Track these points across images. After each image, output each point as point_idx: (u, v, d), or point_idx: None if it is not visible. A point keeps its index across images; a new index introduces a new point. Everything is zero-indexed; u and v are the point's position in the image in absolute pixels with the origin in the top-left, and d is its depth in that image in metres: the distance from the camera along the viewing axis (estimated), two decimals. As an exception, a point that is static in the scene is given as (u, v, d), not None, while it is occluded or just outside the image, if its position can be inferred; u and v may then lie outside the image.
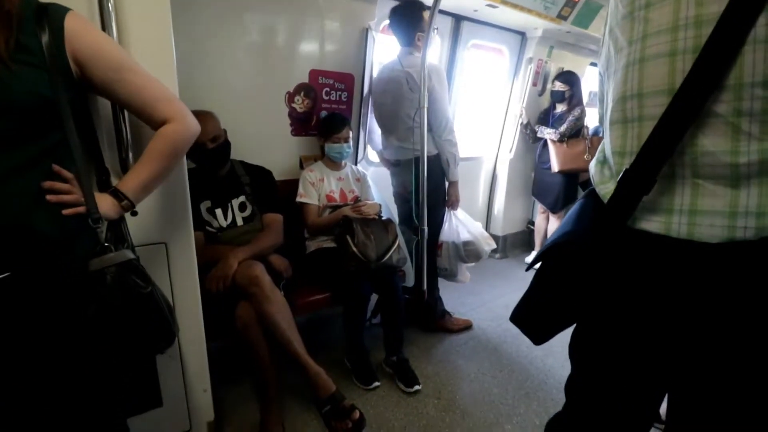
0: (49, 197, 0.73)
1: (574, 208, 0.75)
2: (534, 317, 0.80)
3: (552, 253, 0.72)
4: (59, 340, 0.75)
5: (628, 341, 0.67)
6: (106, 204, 0.82)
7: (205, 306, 1.26)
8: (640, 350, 0.66)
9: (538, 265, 0.78)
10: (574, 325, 0.79)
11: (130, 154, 1.00)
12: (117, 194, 0.83)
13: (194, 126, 0.91)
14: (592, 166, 0.73)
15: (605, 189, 0.66)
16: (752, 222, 0.52)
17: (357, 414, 1.48)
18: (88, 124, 0.90)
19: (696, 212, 0.55)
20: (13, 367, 0.73)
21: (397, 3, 2.05)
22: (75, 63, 0.76)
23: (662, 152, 0.55)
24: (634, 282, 0.64)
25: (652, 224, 0.59)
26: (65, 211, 0.75)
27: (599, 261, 0.66)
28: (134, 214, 0.89)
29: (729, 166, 0.52)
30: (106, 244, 0.79)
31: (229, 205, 1.68)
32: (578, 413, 0.80)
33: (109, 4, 0.91)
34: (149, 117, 0.86)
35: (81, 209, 0.77)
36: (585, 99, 3.39)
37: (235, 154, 1.71)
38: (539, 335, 0.79)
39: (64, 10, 0.75)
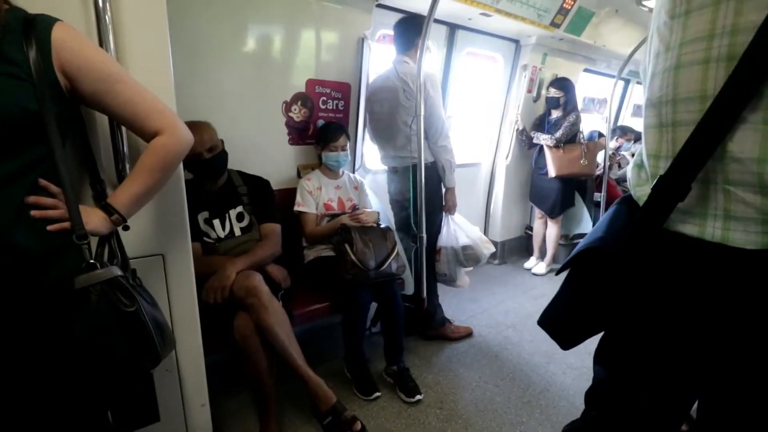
0: (33, 213, 0.71)
1: (607, 213, 0.75)
2: (563, 322, 0.79)
3: (584, 257, 0.72)
4: (43, 358, 0.74)
5: (662, 345, 0.67)
6: (96, 219, 0.80)
7: (202, 318, 1.24)
8: (674, 355, 0.66)
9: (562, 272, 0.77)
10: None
11: (127, 165, 0.99)
12: (107, 209, 0.82)
13: (186, 138, 0.89)
14: (629, 169, 0.74)
15: (642, 191, 0.67)
16: None
17: (359, 425, 1.46)
18: (82, 136, 0.89)
19: (730, 218, 0.56)
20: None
21: (400, 14, 2.07)
22: (63, 75, 0.74)
23: (697, 159, 0.56)
24: (669, 285, 0.64)
25: (687, 227, 0.60)
26: (50, 227, 0.73)
27: (635, 264, 0.66)
28: (126, 228, 0.87)
29: (756, 174, 0.52)
30: (91, 261, 0.76)
31: (227, 215, 1.66)
32: (606, 421, 0.79)
33: (107, 17, 0.91)
34: (140, 129, 0.85)
35: (66, 225, 0.75)
36: (579, 105, 3.43)
37: (233, 164, 1.71)
38: (568, 341, 0.78)
39: (51, 21, 0.73)
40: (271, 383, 1.48)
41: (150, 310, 0.84)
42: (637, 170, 0.71)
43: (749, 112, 0.51)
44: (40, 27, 0.71)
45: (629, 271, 0.66)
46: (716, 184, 0.56)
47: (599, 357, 0.79)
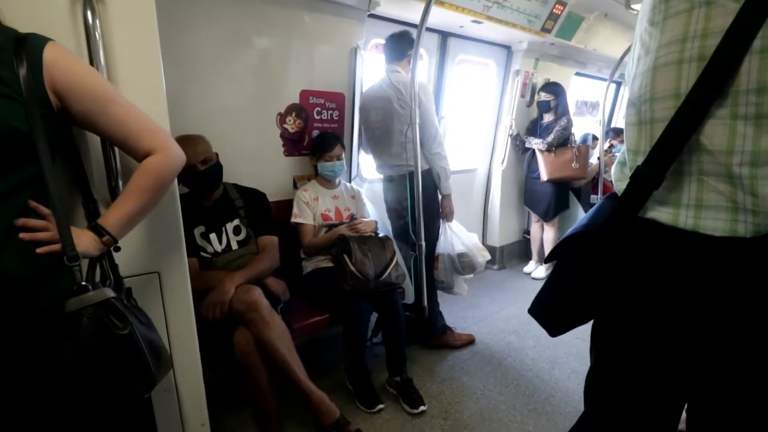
0: (22, 235, 0.69)
1: (593, 207, 0.79)
2: (551, 309, 0.82)
3: (568, 244, 0.76)
4: (36, 382, 0.72)
5: (642, 332, 0.69)
6: (86, 240, 0.78)
7: (201, 334, 1.22)
8: (654, 341, 0.68)
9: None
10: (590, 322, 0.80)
11: (120, 183, 0.98)
12: (98, 230, 0.80)
13: (179, 157, 0.88)
14: (614, 166, 0.78)
15: (622, 185, 0.71)
16: (750, 218, 0.56)
17: (362, 440, 1.43)
18: (74, 155, 0.88)
19: (701, 206, 0.60)
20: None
21: (391, 24, 2.08)
22: (54, 94, 0.74)
23: (671, 151, 0.60)
24: (647, 271, 0.67)
25: (662, 215, 0.63)
26: (39, 250, 0.71)
27: (612, 249, 0.69)
28: (117, 249, 0.86)
29: (724, 165, 0.56)
30: (83, 284, 0.75)
31: (224, 229, 1.65)
32: (599, 413, 0.80)
33: (96, 33, 0.90)
34: (132, 149, 0.84)
35: (56, 247, 0.73)
36: (572, 108, 3.45)
37: (228, 177, 1.69)
38: (555, 327, 0.81)
39: (43, 41, 0.73)
40: (272, 399, 1.46)
41: (145, 331, 0.82)
42: (620, 167, 0.75)
43: (717, 108, 0.56)
44: (31, 46, 0.71)
45: (608, 255, 0.70)
46: (691, 175, 0.60)
47: (591, 345, 0.81)
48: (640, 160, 0.65)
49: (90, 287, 0.75)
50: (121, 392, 0.79)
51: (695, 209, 0.60)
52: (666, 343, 0.67)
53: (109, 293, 0.77)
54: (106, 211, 0.84)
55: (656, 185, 0.62)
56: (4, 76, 0.67)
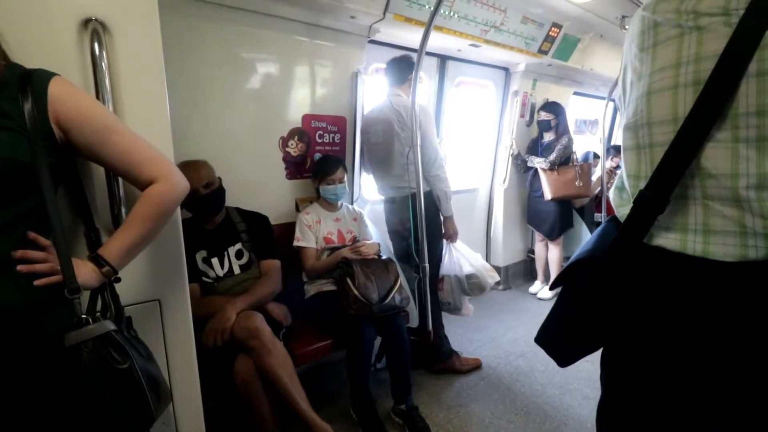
0: (20, 267, 0.68)
1: (597, 230, 0.78)
2: (558, 338, 0.80)
3: (572, 271, 0.74)
4: (32, 418, 0.69)
5: (652, 361, 0.67)
6: (85, 271, 0.77)
7: (201, 362, 1.19)
8: (665, 370, 0.66)
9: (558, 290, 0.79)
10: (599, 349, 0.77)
11: (123, 210, 0.97)
12: (98, 261, 0.79)
13: (181, 185, 0.88)
14: (611, 192, 0.77)
15: (623, 210, 0.70)
16: (762, 242, 0.55)
17: (368, 473, 1.37)
18: (76, 185, 0.88)
19: (709, 231, 0.58)
20: None
21: (392, 48, 2.13)
22: (58, 127, 0.74)
23: (673, 175, 0.59)
24: (654, 298, 0.65)
25: (669, 241, 0.62)
26: (37, 282, 0.70)
27: (618, 277, 0.68)
28: (117, 280, 0.84)
29: (731, 189, 0.55)
30: (83, 316, 0.73)
31: (226, 253, 1.63)
32: None
33: (103, 63, 0.91)
34: (135, 179, 0.84)
35: (54, 279, 0.72)
36: (572, 127, 3.48)
37: (231, 200, 1.69)
38: (564, 357, 0.79)
39: (48, 76, 0.74)
40: (274, 429, 1.41)
41: (144, 365, 0.79)
42: (618, 192, 0.75)
43: (717, 131, 0.56)
44: (37, 81, 0.72)
45: (615, 283, 0.68)
46: (696, 199, 0.60)
47: (601, 374, 0.79)
48: (641, 184, 0.65)
49: (90, 320, 0.74)
50: (122, 429, 0.76)
51: (703, 234, 0.59)
52: (679, 372, 0.64)
53: (110, 326, 0.75)
54: (106, 241, 0.84)
55: (660, 210, 0.61)
56: (8, 110, 0.68)
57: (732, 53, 0.53)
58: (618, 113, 4.80)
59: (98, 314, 0.79)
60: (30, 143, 0.69)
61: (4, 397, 0.69)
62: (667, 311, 0.63)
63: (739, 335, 0.58)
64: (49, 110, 0.72)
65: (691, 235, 0.60)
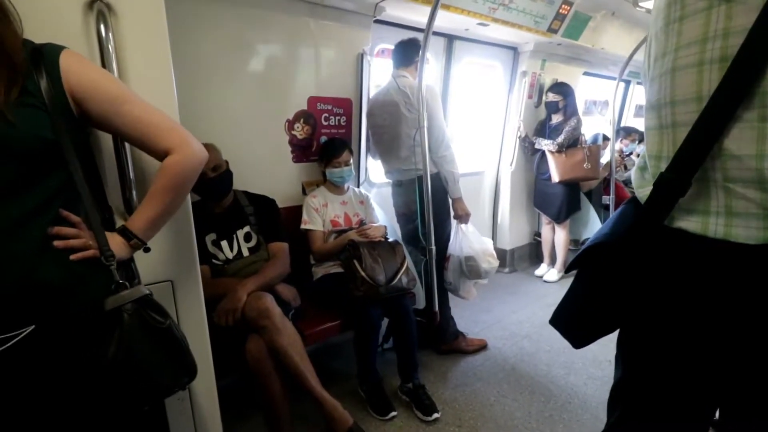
0: (56, 243, 0.71)
1: (614, 213, 0.77)
2: (574, 320, 0.80)
3: (591, 254, 0.73)
4: (80, 385, 0.73)
5: (672, 342, 0.67)
6: (115, 243, 0.80)
7: (213, 342, 1.22)
8: (684, 351, 0.66)
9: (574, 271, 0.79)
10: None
11: (134, 194, 0.98)
12: (125, 233, 0.81)
13: (199, 153, 0.87)
14: (633, 172, 0.76)
15: (644, 192, 0.69)
16: None
17: (376, 448, 1.41)
18: (91, 163, 0.89)
19: (732, 214, 0.57)
20: (36, 420, 0.71)
21: (398, 29, 2.08)
22: (73, 100, 0.75)
23: (696, 156, 0.58)
24: (675, 281, 0.65)
25: (690, 224, 0.61)
26: (73, 256, 0.73)
27: (637, 259, 0.67)
28: (147, 250, 0.86)
29: (755, 170, 0.53)
30: (120, 281, 0.76)
31: (234, 236, 1.65)
32: (629, 420, 0.78)
33: (110, 46, 0.91)
34: (152, 148, 0.84)
35: (89, 253, 0.75)
36: (581, 108, 3.42)
37: (238, 184, 1.70)
38: (580, 339, 0.79)
39: (58, 49, 0.74)
40: (285, 406, 1.45)
41: (177, 325, 0.84)
42: (640, 172, 0.73)
43: (744, 111, 0.53)
44: (48, 55, 0.72)
45: (634, 266, 0.67)
46: (716, 181, 0.58)
47: (617, 356, 0.79)
48: (663, 165, 0.63)
49: (127, 284, 0.77)
50: (167, 386, 0.81)
51: (725, 217, 0.57)
52: (702, 353, 0.65)
53: (145, 290, 0.79)
54: (132, 215, 0.86)
55: (682, 192, 0.60)
56: (28, 87, 0.68)
57: (763, 27, 0.50)
58: (629, 92, 4.70)
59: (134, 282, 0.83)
60: (51, 119, 0.69)
61: (50, 366, 0.71)
62: (689, 293, 0.63)
63: (762, 317, 0.57)
64: (63, 83, 0.72)
65: (713, 217, 0.59)
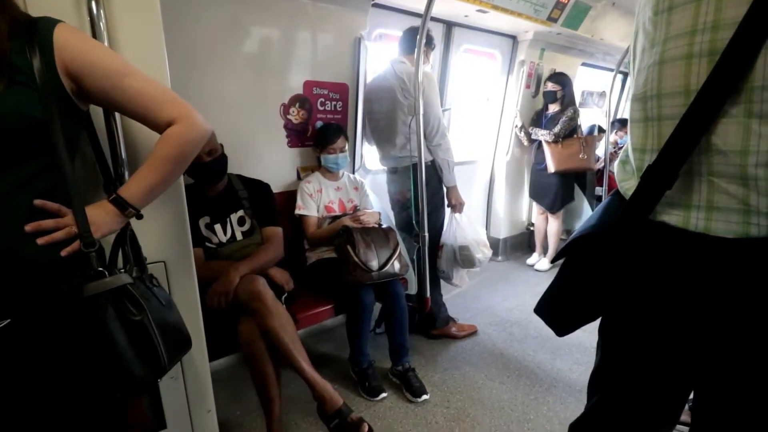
0: (39, 241, 0.69)
1: (601, 204, 0.78)
2: (558, 309, 0.82)
3: (576, 245, 0.74)
4: (52, 369, 0.73)
5: (651, 332, 0.69)
6: (103, 217, 0.77)
7: (206, 323, 1.24)
8: (663, 341, 0.68)
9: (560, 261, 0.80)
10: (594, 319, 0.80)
11: (126, 173, 0.98)
12: (119, 202, 0.79)
13: (202, 126, 0.85)
14: (615, 165, 0.76)
15: (627, 185, 0.69)
16: (765, 221, 0.54)
17: (365, 427, 1.45)
18: (92, 140, 0.87)
19: (713, 208, 0.58)
20: (13, 406, 0.71)
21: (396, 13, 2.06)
22: (67, 76, 0.73)
23: (684, 149, 0.58)
24: (656, 272, 0.66)
25: (672, 217, 0.62)
26: (63, 252, 0.72)
27: (622, 252, 0.68)
28: (140, 217, 0.84)
29: (739, 166, 0.54)
30: (99, 269, 0.75)
31: (228, 219, 1.66)
32: (607, 405, 0.80)
33: (101, 24, 0.90)
34: (153, 121, 0.81)
35: (77, 246, 0.73)
36: (578, 99, 3.41)
37: (232, 167, 1.70)
38: (562, 327, 0.81)
39: (53, 23, 0.72)
40: (276, 387, 1.47)
41: (160, 315, 0.82)
42: (622, 165, 0.73)
43: (731, 106, 0.53)
44: (42, 30, 0.70)
45: (618, 257, 0.68)
46: (701, 176, 0.58)
47: (598, 342, 0.81)
48: (647, 158, 0.63)
49: (107, 273, 0.75)
50: (136, 378, 0.79)
51: (706, 211, 0.58)
52: (677, 343, 0.66)
53: (126, 279, 0.77)
54: (126, 182, 0.83)
55: (669, 185, 0.60)
56: (18, 63, 0.67)
57: (752, 21, 0.49)
58: (626, 85, 4.68)
59: (120, 270, 0.81)
60: (41, 97, 0.68)
61: (33, 345, 0.71)
62: (669, 285, 0.64)
63: (738, 309, 0.58)
64: (56, 60, 0.70)
65: (694, 211, 0.59)
